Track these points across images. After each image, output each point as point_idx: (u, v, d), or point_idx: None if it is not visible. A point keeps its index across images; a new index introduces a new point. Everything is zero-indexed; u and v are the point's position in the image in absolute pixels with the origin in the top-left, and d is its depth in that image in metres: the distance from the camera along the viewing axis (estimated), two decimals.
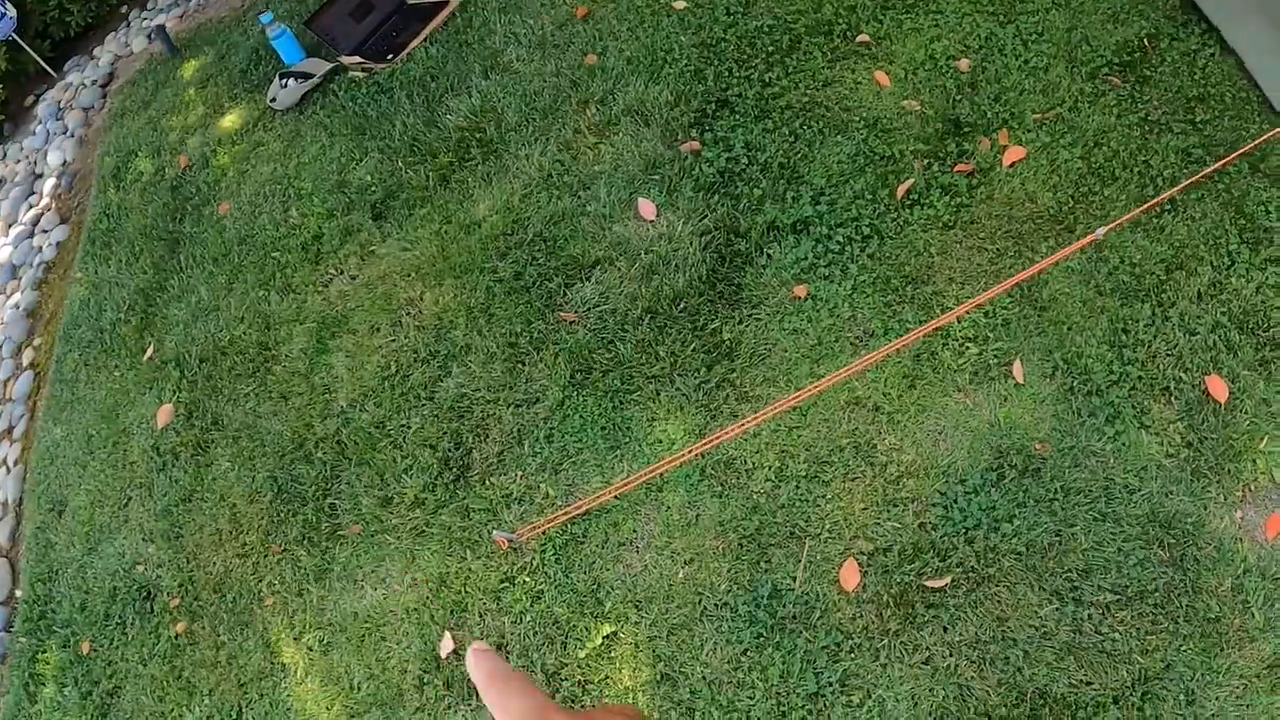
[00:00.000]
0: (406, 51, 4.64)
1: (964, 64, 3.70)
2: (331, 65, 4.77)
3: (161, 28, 5.76)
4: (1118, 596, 2.53)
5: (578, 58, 4.10)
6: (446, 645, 2.87)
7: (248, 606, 3.20)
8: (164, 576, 3.38)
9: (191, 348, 3.92)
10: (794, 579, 2.70)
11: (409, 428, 3.30)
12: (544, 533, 2.91)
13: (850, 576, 2.67)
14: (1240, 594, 2.54)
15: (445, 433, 3.23)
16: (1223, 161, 3.14)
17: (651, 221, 3.44)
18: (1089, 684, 2.42)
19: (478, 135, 4.01)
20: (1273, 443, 2.79)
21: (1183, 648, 2.44)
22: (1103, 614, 2.52)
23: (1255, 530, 2.67)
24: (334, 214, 4.06)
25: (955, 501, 2.72)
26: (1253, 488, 2.73)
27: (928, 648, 2.54)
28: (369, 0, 4.91)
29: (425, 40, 4.66)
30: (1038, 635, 2.51)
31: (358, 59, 4.74)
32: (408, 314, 3.59)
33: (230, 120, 4.89)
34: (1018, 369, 2.90)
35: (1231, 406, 2.84)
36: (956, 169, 3.37)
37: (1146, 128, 3.44)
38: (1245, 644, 2.44)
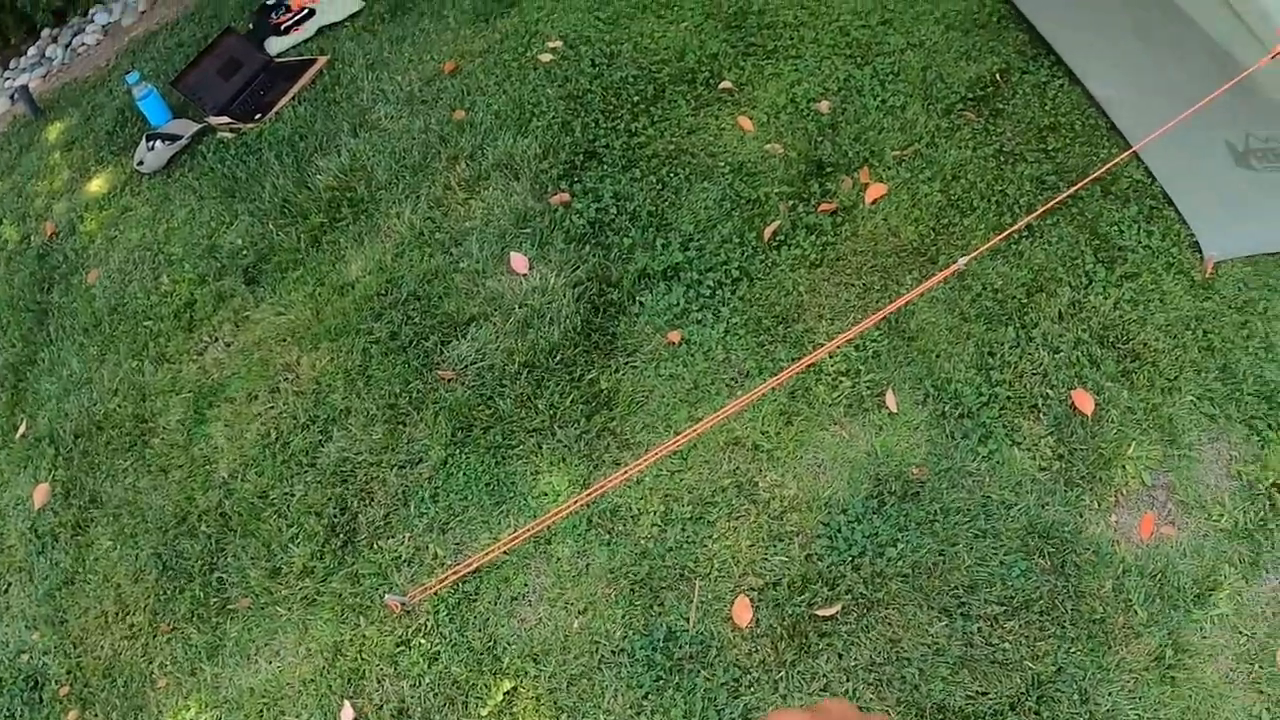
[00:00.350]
0: (275, 110, 4.61)
1: (824, 106, 3.80)
2: (199, 126, 4.71)
3: (25, 88, 5.62)
4: (1004, 608, 2.62)
5: (446, 113, 4.10)
6: (347, 714, 2.83)
7: (140, 689, 3.12)
8: (51, 664, 3.28)
9: (66, 423, 3.82)
10: (688, 620, 2.73)
11: (293, 495, 3.26)
12: (436, 593, 2.90)
13: (743, 613, 2.71)
14: (1122, 594, 2.65)
15: (330, 499, 3.20)
16: (1076, 186, 3.27)
17: (524, 275, 3.46)
18: (984, 694, 2.49)
19: (348, 195, 3.98)
20: (1139, 448, 2.91)
21: (1072, 650, 2.53)
22: (991, 626, 2.60)
23: (1130, 532, 2.78)
24: (206, 280, 4.00)
25: (839, 531, 2.78)
26: (1124, 492, 2.84)
27: (825, 675, 2.58)
28: (236, 58, 4.86)
29: (293, 99, 4.64)
30: (930, 652, 2.57)
31: (225, 119, 4.69)
32: (285, 380, 3.55)
33: (97, 184, 4.80)
34: (890, 398, 2.99)
35: (1098, 417, 2.96)
36: (821, 208, 3.46)
37: (1002, 158, 3.57)
38: (1131, 640, 2.55)
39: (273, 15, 5.23)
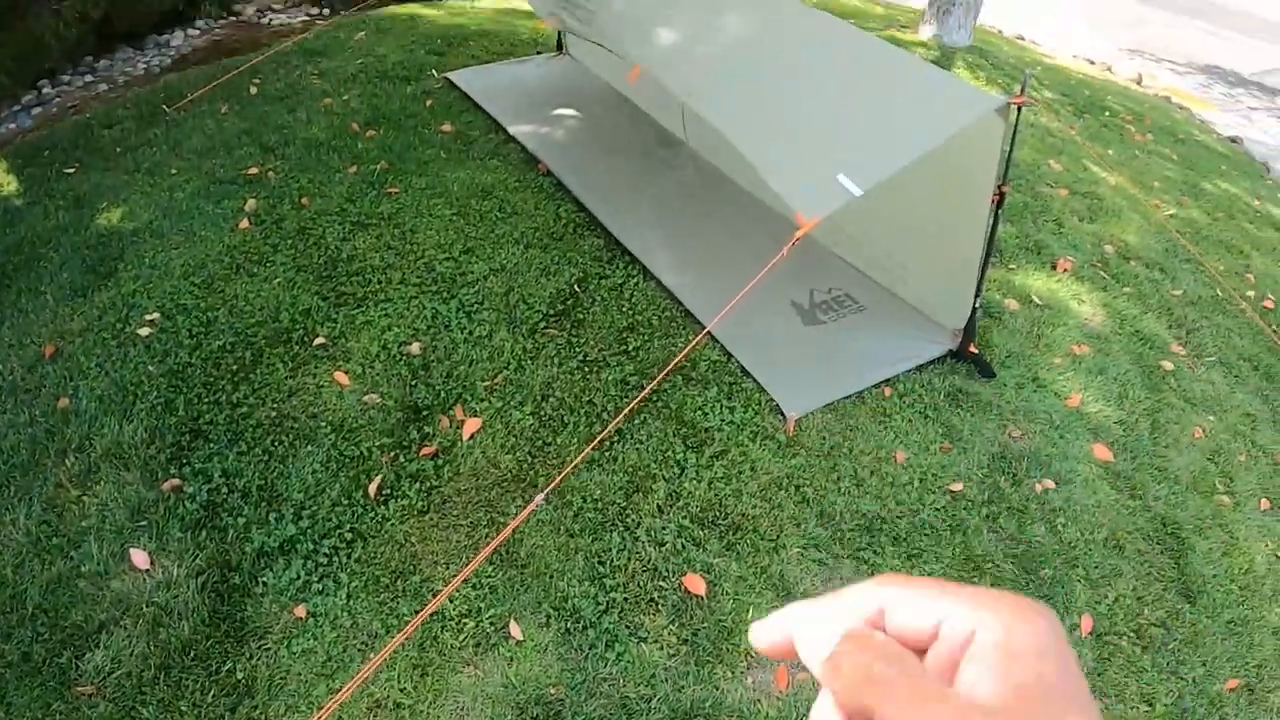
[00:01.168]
0: None
1: (415, 347, 3.97)
2: None
3: None
4: None
5: (50, 402, 4.00)
6: None
7: None
8: None
9: None
10: None
11: None
12: None
13: None
14: None
15: None
16: (656, 380, 3.57)
17: (147, 571, 3.40)
18: None
19: None
20: (758, 610, 3.19)
21: None
22: None
23: (769, 688, 3.03)
24: None
25: None
26: (754, 654, 3.10)
27: None
28: None
29: None
30: None
31: None
32: None
33: None
34: (514, 628, 3.15)
35: (712, 594, 3.22)
36: (422, 453, 3.61)
37: (586, 368, 3.83)
38: None
39: None
